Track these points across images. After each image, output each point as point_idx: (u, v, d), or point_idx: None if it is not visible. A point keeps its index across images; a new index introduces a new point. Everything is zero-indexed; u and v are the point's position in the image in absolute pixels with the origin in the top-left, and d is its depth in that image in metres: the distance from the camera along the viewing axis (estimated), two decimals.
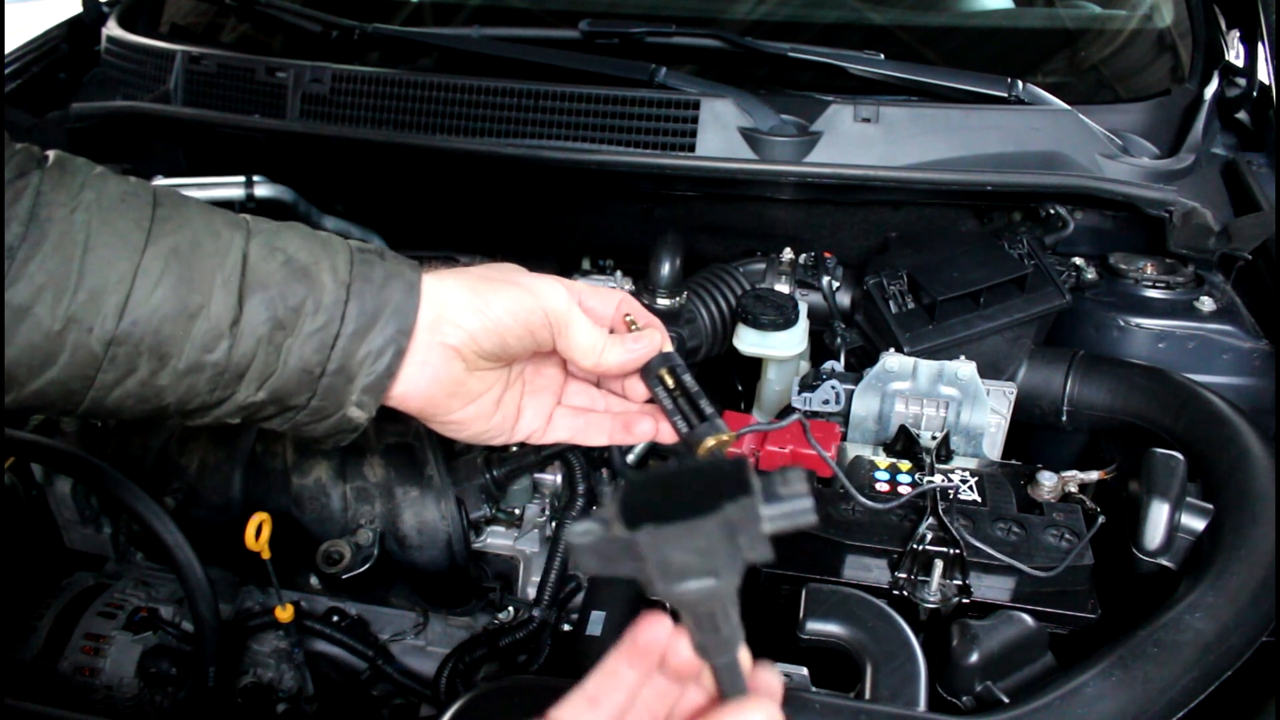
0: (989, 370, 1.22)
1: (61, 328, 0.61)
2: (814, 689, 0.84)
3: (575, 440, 0.82)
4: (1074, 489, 1.09)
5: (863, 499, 1.00)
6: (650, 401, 0.81)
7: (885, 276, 1.29)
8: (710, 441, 0.74)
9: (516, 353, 0.75)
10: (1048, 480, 1.07)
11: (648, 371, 0.78)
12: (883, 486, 1.06)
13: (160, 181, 1.44)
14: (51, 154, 0.66)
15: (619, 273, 1.42)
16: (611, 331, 0.79)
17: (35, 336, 0.61)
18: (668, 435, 0.79)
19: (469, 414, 0.75)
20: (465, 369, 0.73)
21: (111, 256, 0.63)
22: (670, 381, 0.77)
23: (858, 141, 1.33)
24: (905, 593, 0.99)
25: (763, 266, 1.40)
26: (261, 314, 0.66)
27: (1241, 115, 1.63)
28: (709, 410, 0.76)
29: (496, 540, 1.22)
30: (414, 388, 0.72)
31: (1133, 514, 1.03)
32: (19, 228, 0.60)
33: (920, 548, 0.98)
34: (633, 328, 0.80)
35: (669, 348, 0.80)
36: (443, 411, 0.74)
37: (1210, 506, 1.00)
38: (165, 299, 0.64)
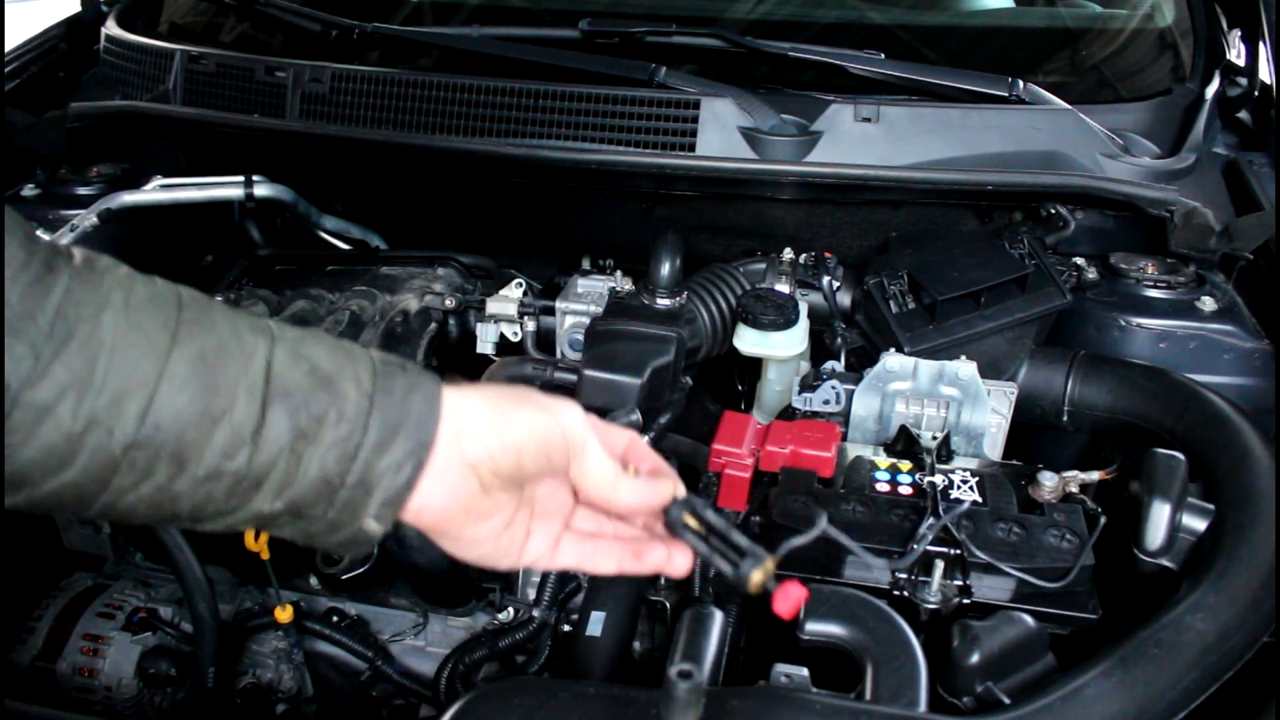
0: (990, 370, 1.22)
1: (83, 429, 0.60)
2: (814, 689, 0.84)
3: (582, 567, 0.81)
4: (1075, 489, 1.09)
5: (867, 556, 0.99)
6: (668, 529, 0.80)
7: (886, 276, 1.28)
8: (758, 576, 0.73)
9: (531, 474, 0.75)
10: (1048, 480, 1.07)
11: (672, 523, 0.77)
12: (883, 487, 1.06)
13: (159, 181, 1.44)
14: (78, 252, 0.65)
15: (619, 273, 1.42)
16: (620, 462, 0.78)
17: (55, 437, 0.60)
18: (679, 565, 0.79)
19: (480, 533, 0.75)
20: (480, 487, 0.72)
21: (137, 358, 0.62)
22: (695, 524, 0.77)
23: (858, 141, 1.33)
24: (906, 593, 0.98)
25: (763, 266, 1.40)
26: (284, 422, 0.65)
27: (1243, 115, 1.63)
28: (744, 542, 0.75)
29: None
30: (431, 501, 0.71)
31: (1134, 514, 1.03)
32: (45, 325, 0.59)
33: (921, 548, 0.97)
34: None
35: (683, 493, 0.79)
36: (456, 528, 0.73)
37: (1211, 507, 1.00)
38: (189, 404, 0.63)
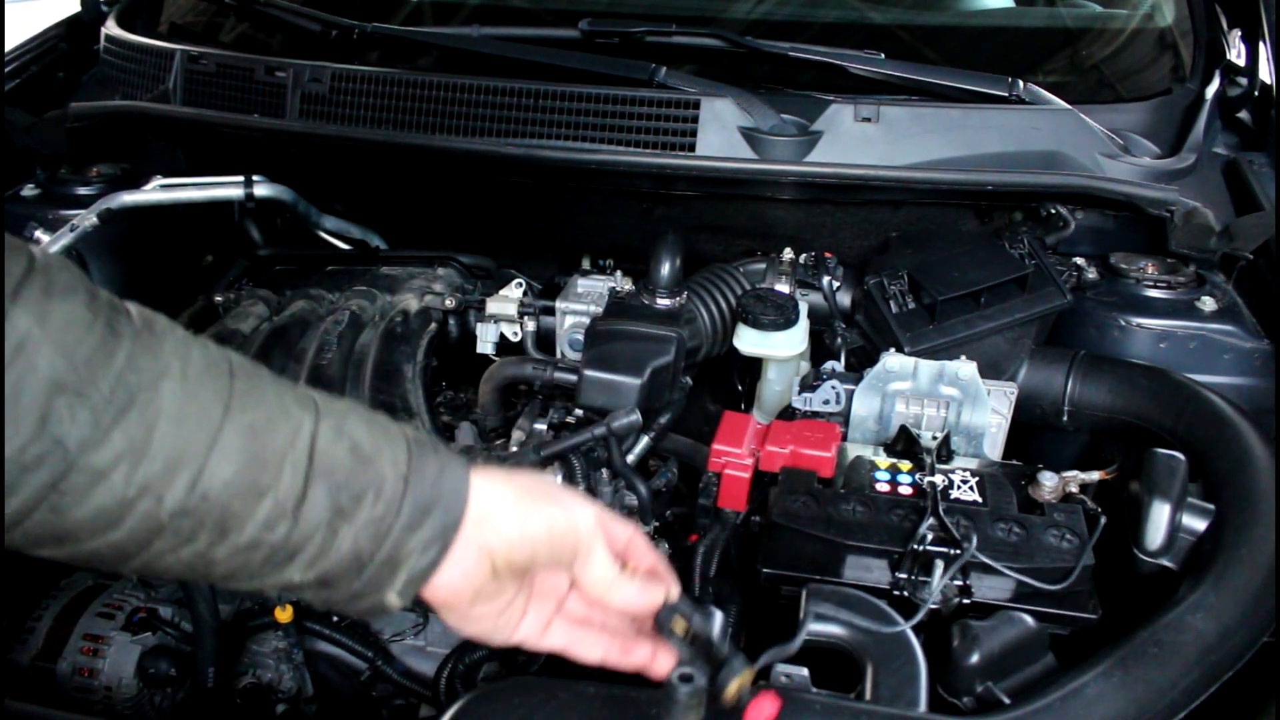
0: (990, 370, 1.22)
1: (135, 495, 0.62)
2: (814, 689, 0.84)
3: (568, 652, 0.82)
4: (1075, 489, 1.09)
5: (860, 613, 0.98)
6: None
7: (886, 276, 1.29)
8: (733, 689, 0.75)
9: (539, 567, 0.77)
10: (1049, 480, 1.07)
11: (660, 624, 0.80)
12: (883, 487, 1.06)
13: (159, 181, 1.44)
14: (134, 310, 0.66)
15: (619, 273, 1.42)
16: (619, 559, 0.80)
17: (108, 501, 0.61)
18: (661, 667, 0.80)
19: (482, 612, 0.77)
20: (492, 572, 0.74)
21: (192, 429, 0.63)
22: (681, 630, 0.79)
23: (858, 141, 1.33)
24: (905, 593, 0.98)
25: (763, 266, 1.40)
26: (324, 499, 0.67)
27: (1243, 115, 1.63)
28: (725, 652, 0.77)
29: None
30: (446, 580, 0.73)
31: (1134, 514, 1.03)
32: (107, 390, 0.61)
33: (920, 548, 0.97)
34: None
35: (675, 595, 0.80)
36: (464, 606, 0.75)
37: (1211, 507, 1.00)
38: (237, 475, 0.64)
